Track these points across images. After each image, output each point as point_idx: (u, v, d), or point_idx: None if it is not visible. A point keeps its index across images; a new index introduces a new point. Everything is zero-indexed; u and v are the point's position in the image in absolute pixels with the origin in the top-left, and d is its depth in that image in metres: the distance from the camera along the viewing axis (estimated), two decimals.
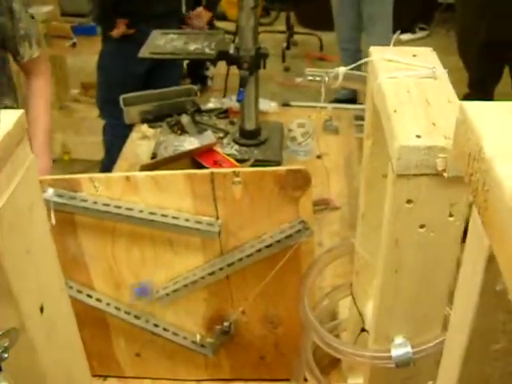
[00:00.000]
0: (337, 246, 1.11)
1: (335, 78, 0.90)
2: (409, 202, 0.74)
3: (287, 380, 1.25)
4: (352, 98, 3.74)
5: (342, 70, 0.91)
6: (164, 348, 1.25)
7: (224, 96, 2.29)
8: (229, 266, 1.15)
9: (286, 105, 2.79)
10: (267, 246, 1.12)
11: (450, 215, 0.75)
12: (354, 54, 3.75)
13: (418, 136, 0.70)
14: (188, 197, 1.11)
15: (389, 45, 0.87)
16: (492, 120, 0.51)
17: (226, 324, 1.21)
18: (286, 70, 4.66)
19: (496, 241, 0.45)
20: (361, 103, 3.31)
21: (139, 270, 1.17)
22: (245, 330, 1.23)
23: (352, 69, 0.91)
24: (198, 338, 1.23)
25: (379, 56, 0.87)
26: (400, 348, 0.85)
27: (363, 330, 1.04)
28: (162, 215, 1.11)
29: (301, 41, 5.14)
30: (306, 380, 1.17)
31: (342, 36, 3.88)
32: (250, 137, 2.01)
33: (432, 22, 5.23)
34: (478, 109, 0.53)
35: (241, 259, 1.14)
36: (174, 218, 1.11)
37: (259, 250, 1.12)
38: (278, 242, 1.12)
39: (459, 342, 0.57)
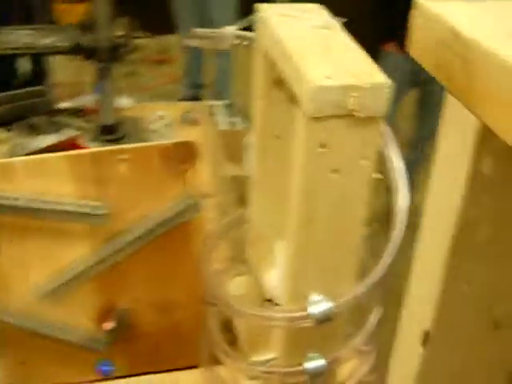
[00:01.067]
0: (229, 218, 1.08)
1: (225, 38, 0.88)
2: (322, 146, 0.73)
3: (188, 368, 1.20)
4: (196, 97, 3.76)
5: (230, 29, 0.89)
6: (54, 351, 1.15)
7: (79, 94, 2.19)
8: (118, 251, 1.09)
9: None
10: (157, 226, 1.07)
11: (362, 158, 0.75)
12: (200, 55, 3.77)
13: (328, 77, 0.70)
14: (70, 180, 1.03)
15: None
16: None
17: (119, 315, 1.14)
18: (129, 75, 4.57)
19: (490, 108, 0.44)
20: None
21: (23, 265, 1.07)
22: (140, 320, 1.17)
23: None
24: (90, 333, 1.15)
25: (268, 12, 0.86)
26: (320, 304, 0.83)
27: (267, 300, 1.02)
28: (43, 202, 1.02)
29: (141, 45, 5.07)
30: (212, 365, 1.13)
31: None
32: (109, 132, 1.93)
33: None
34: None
35: (130, 243, 1.08)
36: (56, 203, 1.03)
37: (149, 231, 1.07)
38: (168, 220, 1.07)
39: (441, 239, 0.56)
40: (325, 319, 0.84)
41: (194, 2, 3.71)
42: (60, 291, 1.09)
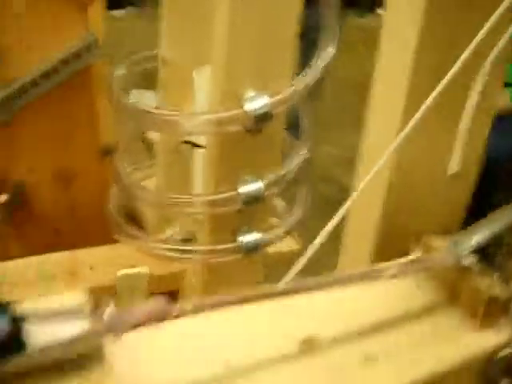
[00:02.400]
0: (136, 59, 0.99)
1: None
2: None
3: None
4: None
5: None
6: None
7: None
8: (12, 99, 0.95)
9: None
10: (55, 69, 0.95)
11: None
12: None
13: None
14: None
15: None
16: None
17: (13, 187, 1.01)
18: None
19: None
20: None
21: None
22: (35, 196, 1.04)
23: None
24: None
25: None
26: (255, 100, 0.76)
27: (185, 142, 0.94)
28: None
29: None
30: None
31: None
32: None
33: None
34: None
35: (25, 91, 0.95)
36: None
37: (45, 76, 0.95)
38: (66, 63, 0.95)
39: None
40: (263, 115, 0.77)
41: None
42: None
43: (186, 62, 0.91)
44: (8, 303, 0.40)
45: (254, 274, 0.86)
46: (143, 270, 0.91)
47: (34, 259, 0.95)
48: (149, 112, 0.77)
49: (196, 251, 0.83)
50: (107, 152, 0.99)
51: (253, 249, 0.80)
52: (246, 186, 0.77)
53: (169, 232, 1.02)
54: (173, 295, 0.94)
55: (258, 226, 0.82)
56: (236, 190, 0.77)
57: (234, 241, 0.80)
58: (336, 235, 0.64)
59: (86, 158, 1.04)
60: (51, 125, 0.99)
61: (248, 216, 0.81)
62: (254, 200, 0.78)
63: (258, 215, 0.82)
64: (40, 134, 1.00)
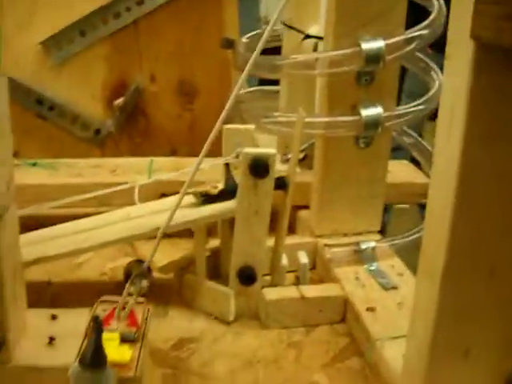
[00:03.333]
0: None
1: None
2: None
3: None
4: None
5: None
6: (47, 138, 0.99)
7: None
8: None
9: None
10: None
11: None
12: None
13: None
14: None
15: None
16: None
17: (130, 92, 0.99)
18: None
19: None
20: None
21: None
22: (154, 107, 1.02)
23: None
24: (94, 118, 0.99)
25: None
26: (371, 41, 0.69)
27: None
28: None
29: None
30: None
31: None
32: None
33: None
34: None
35: None
36: None
37: None
38: None
39: None
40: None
41: None
42: (66, 52, 0.95)
43: None
44: None
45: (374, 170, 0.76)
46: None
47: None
48: None
49: (316, 124, 0.74)
50: (228, 43, 0.95)
51: (373, 124, 0.71)
52: (367, 43, 0.69)
53: None
54: None
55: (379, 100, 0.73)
56: (359, 45, 0.68)
57: (355, 114, 0.71)
58: None
59: (209, 75, 1.01)
60: (177, 34, 0.98)
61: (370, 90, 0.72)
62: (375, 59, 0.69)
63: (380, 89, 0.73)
64: (166, 42, 0.98)
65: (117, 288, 0.58)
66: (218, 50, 0.99)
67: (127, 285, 0.56)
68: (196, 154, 0.75)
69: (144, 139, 1.02)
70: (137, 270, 0.68)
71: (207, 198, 0.68)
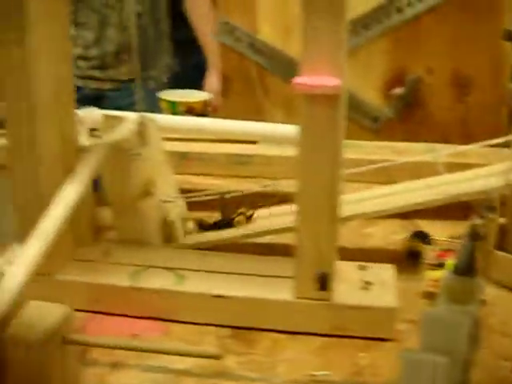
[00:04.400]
0: None
1: None
2: None
3: None
4: None
5: None
6: None
7: None
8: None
9: None
10: None
11: None
12: None
13: None
14: None
15: None
16: None
17: (408, 82, 1.05)
18: None
19: None
20: None
21: None
22: (429, 97, 1.07)
23: None
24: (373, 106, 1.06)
25: None
26: None
27: None
28: None
29: None
30: None
31: None
32: None
33: None
34: None
35: None
36: None
37: None
38: None
39: None
40: None
41: None
42: (353, 45, 1.03)
43: None
44: None
45: None
46: None
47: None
48: None
49: None
50: (510, 36, 0.97)
51: None
52: None
53: None
54: None
55: None
56: None
57: None
58: None
59: (484, 68, 1.03)
60: (456, 26, 1.02)
61: None
62: None
63: None
64: (444, 35, 1.03)
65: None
66: (494, 43, 1.01)
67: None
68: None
69: (418, 128, 1.07)
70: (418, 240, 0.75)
71: (202, 227, 0.74)
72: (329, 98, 0.53)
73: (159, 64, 1.75)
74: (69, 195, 0.55)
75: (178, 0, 1.77)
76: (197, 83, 1.64)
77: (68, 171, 0.58)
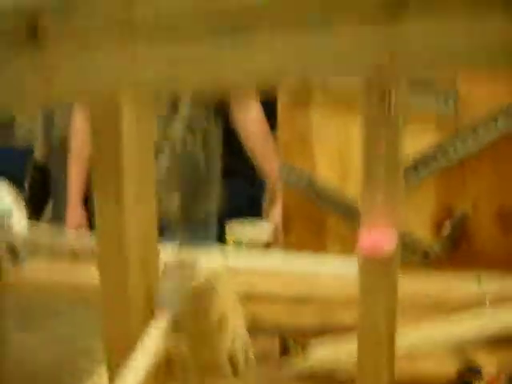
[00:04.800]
0: None
1: None
2: None
3: None
4: None
5: None
6: None
7: None
8: (465, 146, 1.10)
9: None
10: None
11: None
12: None
13: None
14: None
15: None
16: None
17: (455, 220, 1.13)
18: None
19: None
20: None
21: None
22: (473, 233, 1.14)
23: None
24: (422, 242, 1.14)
25: None
26: None
27: None
28: None
29: None
30: None
31: None
32: None
33: None
34: None
35: (479, 138, 1.09)
36: None
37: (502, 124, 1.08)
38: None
39: None
40: None
41: None
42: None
43: None
44: None
45: None
46: None
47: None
48: None
49: None
50: None
51: None
52: None
53: None
54: None
55: None
56: None
57: None
58: None
59: None
60: (497, 168, 1.10)
61: None
62: None
63: None
64: (488, 175, 1.11)
65: None
66: None
67: None
68: None
69: (466, 264, 1.13)
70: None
71: None
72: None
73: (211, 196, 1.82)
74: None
75: (232, 132, 1.83)
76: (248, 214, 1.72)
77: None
